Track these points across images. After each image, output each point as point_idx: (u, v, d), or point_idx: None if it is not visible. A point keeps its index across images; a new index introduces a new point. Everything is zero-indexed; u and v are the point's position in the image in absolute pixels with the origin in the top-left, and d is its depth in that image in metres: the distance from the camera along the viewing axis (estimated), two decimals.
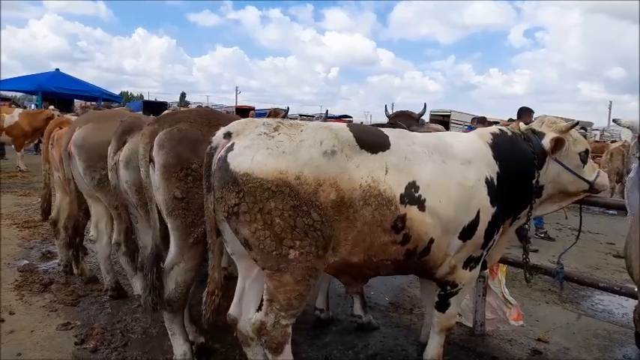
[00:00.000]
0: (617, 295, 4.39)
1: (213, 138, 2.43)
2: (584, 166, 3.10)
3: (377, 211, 2.43)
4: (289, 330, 2.57)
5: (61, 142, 4.52)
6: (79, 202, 4.27)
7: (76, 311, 4.06)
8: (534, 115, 6.78)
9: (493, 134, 3.00)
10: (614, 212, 9.43)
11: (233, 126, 2.44)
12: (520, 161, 2.94)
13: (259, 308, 2.57)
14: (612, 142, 20.93)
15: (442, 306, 3.02)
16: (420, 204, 2.54)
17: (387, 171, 2.48)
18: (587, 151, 3.14)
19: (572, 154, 3.06)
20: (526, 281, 3.46)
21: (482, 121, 8.82)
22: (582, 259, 6.73)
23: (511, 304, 3.83)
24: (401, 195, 2.49)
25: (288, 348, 2.58)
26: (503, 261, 3.83)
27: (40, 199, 5.22)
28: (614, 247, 7.60)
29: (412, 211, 2.52)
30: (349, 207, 2.38)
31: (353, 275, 2.73)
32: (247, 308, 2.75)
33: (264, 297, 2.52)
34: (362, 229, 2.44)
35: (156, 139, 2.80)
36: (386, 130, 2.73)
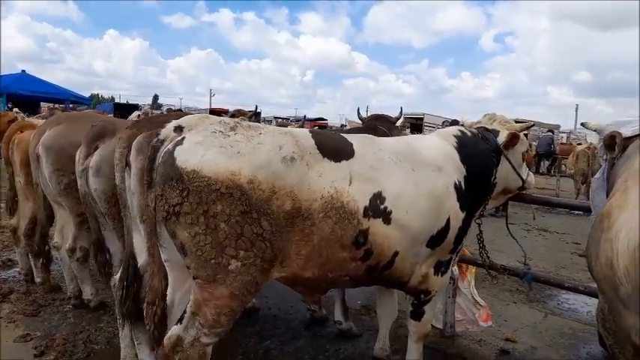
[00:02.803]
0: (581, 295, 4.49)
1: (162, 130, 2.24)
2: (522, 165, 3.22)
3: (337, 225, 2.28)
4: (209, 351, 2.31)
5: (22, 146, 4.38)
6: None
7: (37, 321, 3.90)
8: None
9: (457, 136, 2.96)
10: (580, 212, 9.68)
11: (186, 120, 2.26)
12: (482, 161, 2.96)
13: (179, 321, 2.31)
14: (578, 144, 21.64)
15: (417, 314, 2.96)
16: (386, 217, 2.40)
17: (350, 181, 2.34)
18: (527, 151, 3.27)
19: (517, 153, 3.15)
20: (491, 277, 3.55)
21: (454, 125, 8.94)
22: (549, 258, 6.90)
23: (480, 305, 3.87)
24: (365, 207, 2.35)
25: None
26: (473, 262, 3.87)
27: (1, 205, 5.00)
28: (580, 246, 7.80)
29: (376, 224, 2.38)
30: (306, 219, 2.22)
31: (308, 287, 2.60)
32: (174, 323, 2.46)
33: (187, 309, 2.28)
34: (318, 244, 2.28)
35: (134, 143, 2.66)
36: (350, 137, 2.60)
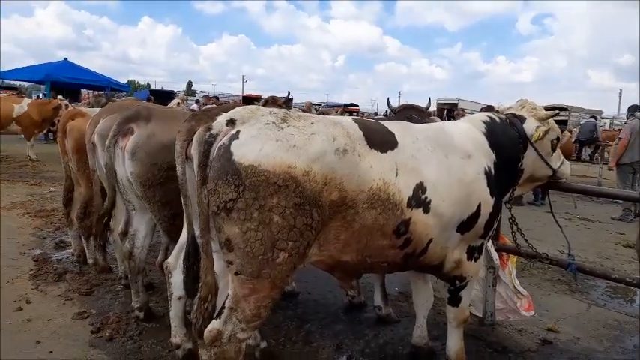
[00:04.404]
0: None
1: (214, 124, 2.22)
2: (552, 154, 3.17)
3: (381, 215, 2.32)
4: (244, 346, 2.33)
5: (74, 134, 4.58)
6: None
7: (91, 300, 4.13)
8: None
9: (485, 122, 2.97)
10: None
11: (237, 112, 2.24)
12: (510, 147, 2.96)
13: (217, 316, 2.31)
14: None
15: (454, 300, 3.00)
16: (425, 206, 2.45)
17: (397, 173, 2.37)
18: (558, 139, 3.21)
19: (545, 142, 3.09)
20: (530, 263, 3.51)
21: (489, 110, 8.72)
22: (592, 248, 6.71)
23: (522, 294, 3.84)
24: (409, 198, 2.39)
25: None
26: (515, 252, 3.83)
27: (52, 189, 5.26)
28: (624, 237, 7.56)
29: (417, 214, 2.43)
30: (349, 208, 2.25)
31: (346, 271, 2.62)
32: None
33: (226, 304, 2.29)
34: (359, 231, 2.32)
35: (195, 135, 2.62)
36: (389, 125, 2.62)
